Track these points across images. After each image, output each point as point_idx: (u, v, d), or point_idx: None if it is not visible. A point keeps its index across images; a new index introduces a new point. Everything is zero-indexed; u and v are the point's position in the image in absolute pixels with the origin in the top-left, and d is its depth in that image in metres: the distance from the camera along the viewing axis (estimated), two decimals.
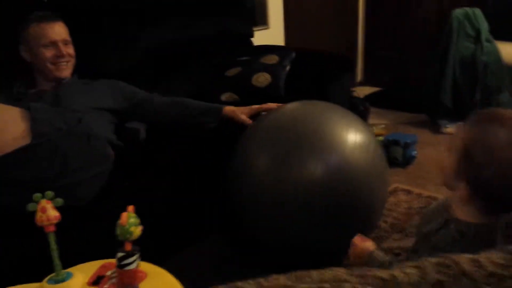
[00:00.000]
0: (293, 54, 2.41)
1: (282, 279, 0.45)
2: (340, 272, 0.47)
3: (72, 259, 1.12)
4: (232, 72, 2.36)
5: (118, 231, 0.97)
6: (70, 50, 1.80)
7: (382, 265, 1.03)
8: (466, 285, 0.45)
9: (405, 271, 0.47)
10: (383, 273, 0.47)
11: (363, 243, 1.17)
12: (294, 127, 1.51)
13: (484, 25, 2.99)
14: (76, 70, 1.89)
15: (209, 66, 2.45)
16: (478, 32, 2.98)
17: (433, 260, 0.48)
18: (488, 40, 2.96)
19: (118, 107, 1.84)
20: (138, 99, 1.88)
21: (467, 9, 3.03)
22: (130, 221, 0.97)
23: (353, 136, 1.49)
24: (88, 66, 2.05)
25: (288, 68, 2.35)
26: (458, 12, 3.02)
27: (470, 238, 0.91)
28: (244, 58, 2.47)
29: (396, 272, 0.47)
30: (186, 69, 2.38)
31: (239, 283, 0.44)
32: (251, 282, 0.45)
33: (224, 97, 2.28)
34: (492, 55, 2.91)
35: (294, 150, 1.46)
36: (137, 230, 0.97)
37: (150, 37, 2.29)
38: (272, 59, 2.37)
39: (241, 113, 1.85)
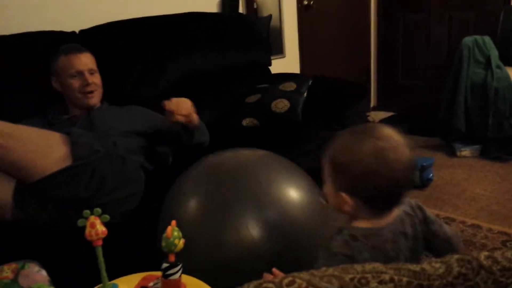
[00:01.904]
0: (310, 81, 2.50)
1: (330, 270, 0.53)
2: (378, 265, 0.54)
3: (115, 271, 1.20)
4: (253, 99, 2.46)
5: (164, 243, 1.05)
6: (96, 79, 1.88)
7: None
8: (484, 277, 0.52)
9: (433, 265, 0.54)
10: (414, 267, 0.54)
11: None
12: (232, 179, 1.33)
13: (494, 52, 3.08)
14: (106, 99, 2.00)
15: (231, 94, 2.56)
16: (488, 58, 3.07)
17: (456, 256, 0.56)
18: (498, 67, 3.04)
19: (145, 131, 1.92)
20: (158, 124, 1.94)
21: (477, 36, 3.13)
22: (174, 234, 1.05)
23: (295, 193, 1.33)
24: (118, 94, 2.18)
25: (305, 94, 2.44)
26: (468, 40, 3.12)
27: (362, 240, 0.96)
28: (264, 85, 2.58)
29: (425, 266, 0.54)
30: (209, 99, 2.49)
31: (294, 273, 0.52)
32: (305, 272, 0.52)
33: (245, 122, 2.38)
34: (503, 80, 2.98)
35: (233, 205, 1.27)
36: (180, 243, 1.06)
37: (174, 69, 2.39)
38: (290, 86, 2.47)
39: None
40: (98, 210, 1.11)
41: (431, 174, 2.72)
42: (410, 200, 1.06)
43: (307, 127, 2.33)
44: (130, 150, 1.79)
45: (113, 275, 1.18)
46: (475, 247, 2.07)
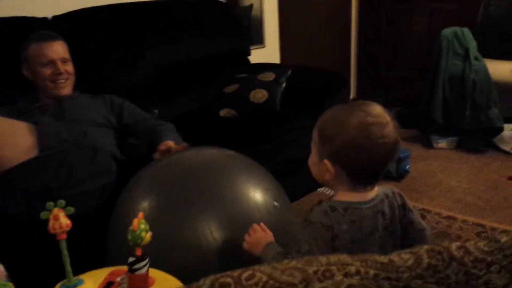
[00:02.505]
0: (289, 72, 2.48)
1: (293, 262, 0.50)
2: (343, 257, 0.52)
3: (82, 266, 1.15)
4: (231, 89, 2.43)
5: (130, 236, 1.01)
6: (68, 67, 1.82)
7: (275, 257, 1.07)
8: (455, 269, 0.51)
9: (402, 257, 0.52)
10: (382, 258, 0.52)
11: (263, 232, 1.18)
12: (188, 180, 1.28)
13: (472, 44, 3.09)
14: (82, 85, 1.94)
15: (209, 84, 2.52)
16: (466, 50, 3.07)
17: (426, 247, 0.54)
18: (476, 58, 3.05)
19: (117, 121, 1.87)
20: (124, 122, 1.88)
21: (456, 28, 3.14)
22: (141, 227, 1.01)
23: (257, 194, 1.31)
24: (95, 81, 2.12)
25: (284, 84, 2.41)
26: (447, 31, 3.12)
27: (341, 212, 1.00)
28: (242, 75, 2.54)
29: (394, 257, 0.52)
30: (188, 87, 2.45)
31: (255, 266, 0.49)
32: (266, 265, 0.50)
33: (222, 112, 2.35)
34: (480, 72, 3.00)
35: (186, 207, 1.22)
36: (147, 236, 1.02)
37: (153, 56, 2.35)
38: (269, 76, 2.44)
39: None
40: (62, 202, 1.07)
41: (408, 166, 2.73)
42: (392, 187, 1.11)
43: (286, 118, 2.31)
44: (101, 140, 1.74)
45: (80, 270, 1.14)
46: (449, 239, 2.08)
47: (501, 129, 2.96)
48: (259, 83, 2.39)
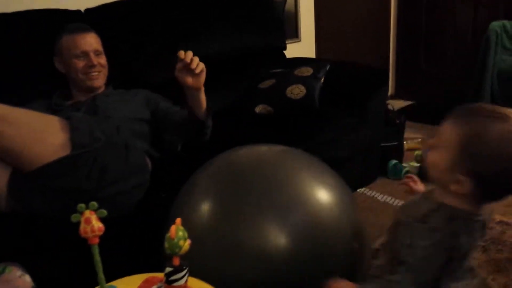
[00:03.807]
0: (327, 66, 2.38)
1: None
2: None
3: (115, 272, 1.08)
4: (266, 84, 2.34)
5: (167, 244, 0.93)
6: (101, 60, 1.79)
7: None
8: None
9: None
10: None
11: (342, 282, 1.05)
12: (249, 179, 1.17)
13: None
14: (112, 82, 1.89)
15: (243, 79, 2.43)
16: None
17: None
18: None
19: (151, 117, 1.81)
20: (160, 110, 1.80)
21: (505, 21, 2.96)
22: (178, 234, 0.93)
23: (324, 193, 1.18)
24: (126, 78, 2.07)
25: (322, 80, 2.31)
26: (495, 24, 2.95)
27: (462, 222, 0.92)
28: (278, 70, 2.44)
29: None
30: (221, 83, 2.37)
31: None
32: None
33: (258, 109, 2.26)
34: None
35: (249, 207, 1.11)
36: (186, 244, 0.93)
37: (190, 48, 2.27)
38: (306, 71, 2.34)
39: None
40: (94, 204, 0.99)
41: None
42: None
43: (325, 115, 2.20)
44: (135, 136, 1.68)
45: (112, 276, 1.08)
46: (504, 246, 1.93)
47: None
48: (296, 78, 2.30)
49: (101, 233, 1.00)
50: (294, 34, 3.23)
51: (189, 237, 0.94)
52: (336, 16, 3.52)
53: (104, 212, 1.01)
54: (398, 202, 2.35)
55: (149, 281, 1.07)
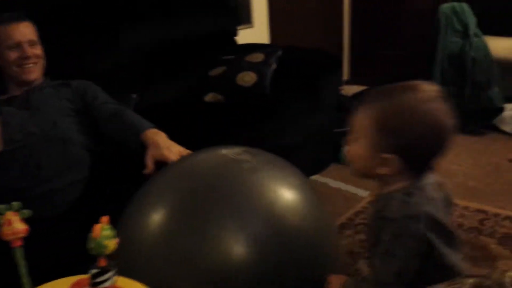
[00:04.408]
0: (279, 52, 2.35)
1: None
2: None
3: (43, 275, 1.01)
4: (216, 71, 2.29)
5: (91, 245, 0.88)
6: (36, 50, 1.68)
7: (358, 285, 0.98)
8: None
9: None
10: None
11: (337, 277, 1.04)
12: (207, 180, 1.08)
13: (471, 20, 2.94)
14: (50, 73, 1.80)
15: (193, 66, 2.37)
16: (465, 27, 2.93)
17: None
18: (476, 35, 2.91)
19: (92, 109, 1.70)
20: (87, 103, 1.69)
21: (454, 3, 2.98)
22: (104, 233, 0.88)
23: (288, 195, 1.09)
24: (64, 68, 1.97)
25: (274, 66, 2.28)
26: (445, 7, 2.97)
27: (418, 193, 0.91)
28: (229, 57, 2.39)
29: None
30: (170, 70, 2.30)
31: None
32: None
33: (208, 97, 2.21)
34: (481, 50, 2.86)
35: (207, 211, 1.02)
36: (112, 244, 0.88)
37: (132, 37, 2.20)
38: (258, 57, 2.30)
39: (153, 154, 1.39)
40: (16, 204, 0.94)
41: None
42: None
43: (276, 102, 2.16)
44: (72, 130, 1.60)
45: (42, 280, 1.01)
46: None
47: (501, 109, 2.84)
48: (247, 65, 2.25)
49: (24, 234, 0.94)
50: (247, 20, 3.17)
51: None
52: (289, 0, 3.48)
53: (27, 212, 0.96)
54: (349, 188, 2.36)
55: (78, 284, 1.01)
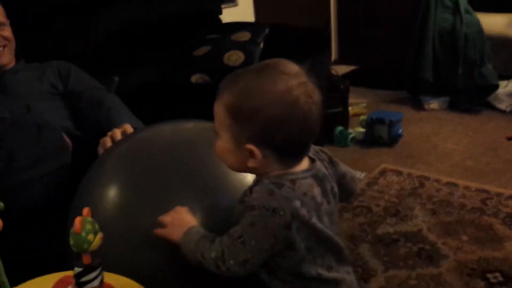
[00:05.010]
0: (266, 30, 2.24)
1: None
2: None
3: (21, 273, 0.92)
4: (201, 51, 2.17)
5: (72, 241, 0.76)
6: (5, 32, 1.56)
7: (199, 242, 0.86)
8: None
9: None
10: None
11: (188, 214, 0.93)
12: (164, 162, 1.00)
13: None
14: (24, 56, 1.67)
15: (176, 46, 2.24)
16: (456, 3, 2.85)
17: None
18: (467, 11, 2.83)
19: (61, 92, 1.60)
20: (69, 89, 1.59)
21: None
22: (86, 227, 0.76)
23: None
24: (39, 51, 1.84)
25: (262, 45, 2.17)
26: None
27: (289, 186, 0.82)
28: (213, 36, 2.27)
29: None
30: (152, 50, 2.17)
31: None
32: None
33: (194, 78, 2.09)
34: (473, 26, 2.79)
35: (161, 195, 0.96)
36: (97, 239, 0.77)
37: (110, 16, 2.07)
38: (244, 36, 2.20)
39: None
40: None
41: (401, 130, 2.53)
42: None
43: None
44: (50, 114, 1.49)
45: (21, 279, 0.92)
46: (453, 207, 1.89)
47: (496, 87, 2.77)
48: (234, 44, 2.14)
49: None
50: None
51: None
52: None
53: (1, 205, 0.84)
54: None
55: (63, 282, 0.90)
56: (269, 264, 0.85)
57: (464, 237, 1.70)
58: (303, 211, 0.80)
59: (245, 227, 0.80)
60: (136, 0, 2.16)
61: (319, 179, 0.86)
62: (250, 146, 0.80)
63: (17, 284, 0.89)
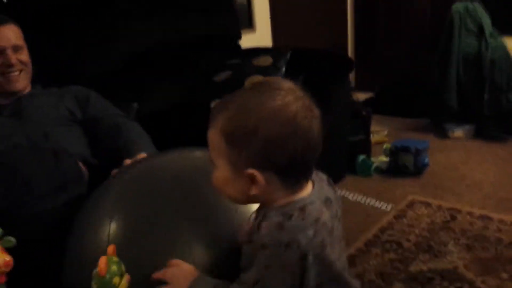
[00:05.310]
0: (288, 55, 2.19)
1: None
2: None
3: None
4: (222, 76, 2.12)
5: (95, 284, 0.68)
6: (22, 57, 1.51)
7: None
8: None
9: None
10: None
11: (185, 265, 0.86)
12: (170, 192, 0.96)
13: (486, 20, 2.80)
14: (40, 80, 1.63)
15: (195, 72, 2.19)
16: (480, 27, 2.79)
17: None
18: (492, 35, 2.77)
19: (81, 117, 1.55)
20: (88, 115, 1.54)
21: (467, 2, 2.84)
22: (111, 269, 0.68)
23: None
24: (56, 74, 1.80)
25: (283, 69, 2.12)
26: (458, 6, 2.83)
27: (299, 216, 0.75)
28: (234, 61, 2.22)
29: None
30: (172, 75, 2.13)
31: None
32: None
33: (214, 104, 2.02)
34: (498, 50, 2.72)
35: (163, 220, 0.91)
36: (123, 282, 0.68)
37: (129, 38, 2.03)
38: (266, 60, 2.16)
39: None
40: None
41: (427, 159, 2.43)
42: None
43: None
44: (67, 141, 1.43)
45: None
46: (489, 242, 1.77)
47: None
48: (255, 69, 2.11)
49: (8, 269, 0.76)
50: (248, 24, 3.02)
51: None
52: (292, 4, 3.34)
53: (11, 240, 0.78)
54: (370, 201, 2.17)
55: None
56: None
57: (504, 275, 1.58)
58: (316, 240, 0.74)
59: (260, 271, 0.73)
60: (158, 20, 2.13)
61: (327, 202, 0.81)
62: (251, 171, 0.74)
63: None
